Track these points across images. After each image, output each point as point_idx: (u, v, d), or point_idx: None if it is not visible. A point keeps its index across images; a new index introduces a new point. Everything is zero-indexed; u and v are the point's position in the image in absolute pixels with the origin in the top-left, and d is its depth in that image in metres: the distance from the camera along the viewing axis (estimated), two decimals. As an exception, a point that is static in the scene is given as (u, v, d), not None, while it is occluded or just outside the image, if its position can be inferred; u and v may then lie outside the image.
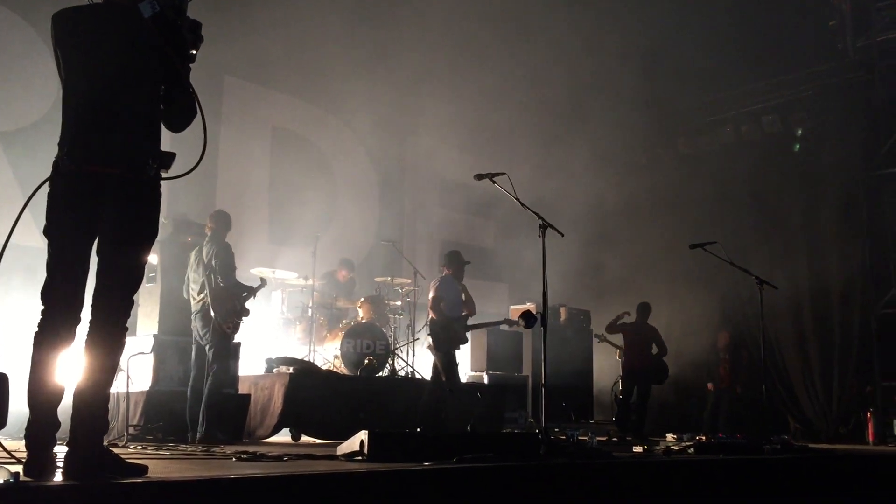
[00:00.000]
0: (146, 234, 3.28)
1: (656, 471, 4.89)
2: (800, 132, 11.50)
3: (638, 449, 6.33)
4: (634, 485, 4.53)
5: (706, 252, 7.37)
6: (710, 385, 10.94)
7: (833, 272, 11.09)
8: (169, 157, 3.29)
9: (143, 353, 6.85)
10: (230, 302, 6.98)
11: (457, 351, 8.00)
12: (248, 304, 7.28)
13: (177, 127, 3.43)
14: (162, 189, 3.37)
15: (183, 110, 3.38)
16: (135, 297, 3.34)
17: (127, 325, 3.26)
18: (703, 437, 6.26)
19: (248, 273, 9.17)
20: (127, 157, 3.16)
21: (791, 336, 11.35)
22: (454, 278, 8.14)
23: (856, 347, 10.89)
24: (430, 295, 8.04)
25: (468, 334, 8.24)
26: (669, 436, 6.65)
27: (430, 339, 7.97)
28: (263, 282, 7.86)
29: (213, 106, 10.10)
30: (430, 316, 8.02)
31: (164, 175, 3.31)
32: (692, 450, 5.92)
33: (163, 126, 3.43)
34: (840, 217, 11.26)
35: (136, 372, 6.76)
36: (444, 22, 10.78)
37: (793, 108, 11.93)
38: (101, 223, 3.16)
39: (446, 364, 7.81)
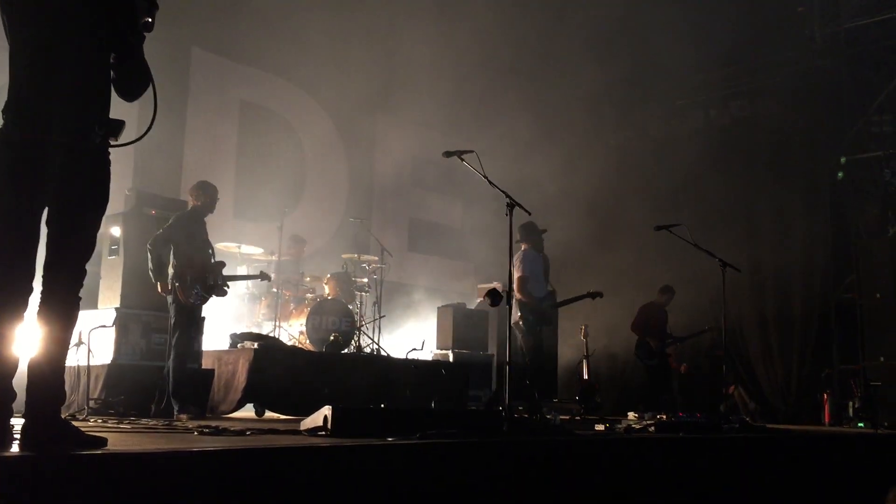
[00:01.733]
0: (95, 203, 3.23)
1: (617, 448, 4.96)
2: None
3: (600, 427, 6.41)
4: (596, 462, 4.59)
5: (671, 234, 7.45)
6: None
7: (796, 256, 11.25)
8: (117, 125, 3.24)
9: (104, 326, 6.77)
10: (200, 273, 6.89)
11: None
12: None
13: (129, 95, 3.38)
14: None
15: (133, 79, 3.33)
16: (91, 268, 3.31)
17: (80, 294, 3.23)
18: (664, 416, 6.34)
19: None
20: (70, 124, 3.11)
21: (752, 318, 11.52)
22: (535, 251, 8.04)
23: (815, 331, 11.08)
24: (516, 275, 7.80)
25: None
26: (631, 414, 6.73)
27: (519, 320, 7.90)
28: (264, 276, 7.85)
29: (180, 79, 9.97)
30: (516, 296, 7.67)
31: (113, 143, 3.25)
32: (653, 428, 6.00)
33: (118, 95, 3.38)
34: (805, 202, 11.41)
35: (98, 345, 6.70)
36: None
37: (761, 93, 12.04)
38: (49, 192, 3.11)
39: (533, 345, 7.89)
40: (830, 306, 11.14)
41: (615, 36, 11.55)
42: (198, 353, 7.32)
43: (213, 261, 7.13)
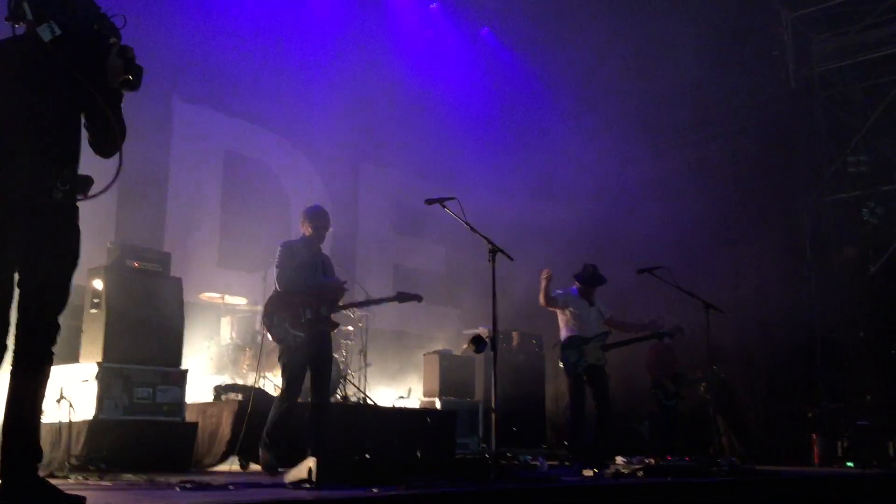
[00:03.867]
0: (62, 259, 3.25)
1: (605, 494, 4.91)
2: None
3: (588, 473, 6.35)
4: (583, 509, 4.54)
5: (654, 276, 7.49)
6: None
7: (779, 296, 11.31)
8: (84, 181, 3.28)
9: (86, 381, 6.67)
10: (287, 310, 6.38)
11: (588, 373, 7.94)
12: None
13: (101, 152, 3.43)
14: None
15: (104, 137, 3.36)
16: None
17: (53, 350, 3.22)
18: (653, 460, 6.30)
19: (196, 298, 9.06)
20: (32, 182, 3.15)
21: (738, 359, 11.53)
22: (581, 296, 8.16)
23: (800, 370, 11.10)
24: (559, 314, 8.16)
25: (605, 355, 8.04)
26: (619, 459, 6.69)
27: (559, 362, 8.08)
28: (404, 297, 6.91)
29: (161, 130, 10.00)
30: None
31: (79, 198, 3.27)
32: (641, 473, 5.96)
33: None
34: (785, 242, 11.52)
35: (79, 401, 6.59)
36: (398, 47, 10.88)
37: (739, 135, 12.23)
38: (17, 251, 3.13)
39: (573, 390, 7.90)
40: (815, 345, 11.18)
41: (593, 83, 11.73)
42: (180, 407, 7.14)
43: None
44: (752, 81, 12.11)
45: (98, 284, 7.08)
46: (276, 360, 8.97)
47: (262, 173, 11.26)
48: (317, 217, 6.73)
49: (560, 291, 8.26)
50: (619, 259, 11.41)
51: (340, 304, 6.75)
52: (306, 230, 6.73)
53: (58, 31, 3.20)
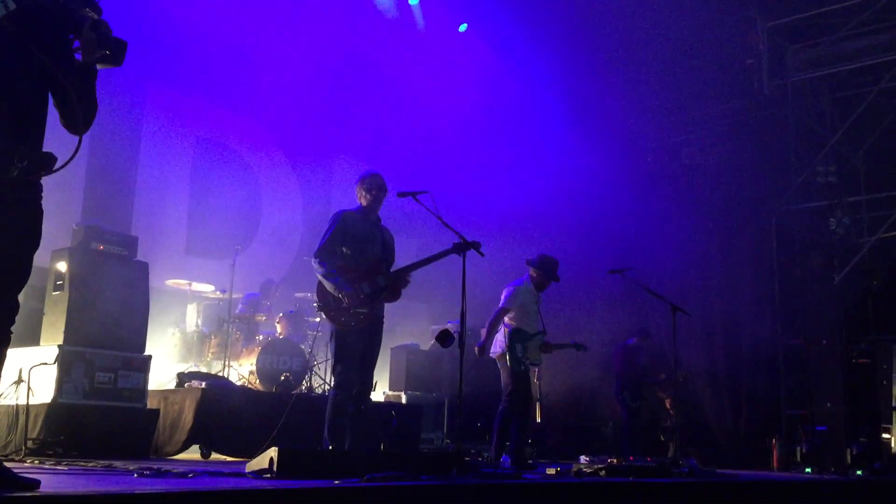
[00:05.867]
0: (19, 236, 3.16)
1: (567, 492, 4.92)
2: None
3: (551, 471, 6.37)
4: (544, 506, 4.56)
5: (623, 278, 7.54)
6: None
7: (745, 302, 11.43)
8: (45, 158, 3.18)
9: (46, 363, 6.57)
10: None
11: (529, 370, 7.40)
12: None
13: (69, 129, 3.34)
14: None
15: (67, 112, 3.28)
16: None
17: (11, 331, 3.14)
18: (615, 460, 6.33)
19: (162, 284, 8.98)
20: None
21: (702, 362, 11.65)
22: (535, 287, 7.58)
23: (764, 375, 11.23)
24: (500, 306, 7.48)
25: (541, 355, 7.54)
26: (582, 458, 6.71)
27: (505, 353, 7.41)
28: (461, 247, 5.77)
29: (133, 114, 9.90)
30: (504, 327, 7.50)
31: (34, 176, 3.18)
32: (603, 472, 5.99)
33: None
34: (753, 249, 11.64)
35: (38, 384, 6.49)
36: (375, 40, 10.83)
37: (711, 141, 12.33)
38: None
39: (511, 381, 7.33)
40: (778, 352, 11.32)
41: (568, 81, 11.77)
42: (142, 393, 7.07)
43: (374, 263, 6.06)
44: (726, 89, 12.22)
45: (62, 266, 6.96)
46: (241, 349, 9.01)
47: (233, 161, 11.18)
48: (373, 182, 6.25)
49: (510, 288, 7.64)
50: (588, 261, 11.49)
51: (394, 270, 6.23)
52: (364, 199, 6.27)
53: (12, 6, 3.09)
